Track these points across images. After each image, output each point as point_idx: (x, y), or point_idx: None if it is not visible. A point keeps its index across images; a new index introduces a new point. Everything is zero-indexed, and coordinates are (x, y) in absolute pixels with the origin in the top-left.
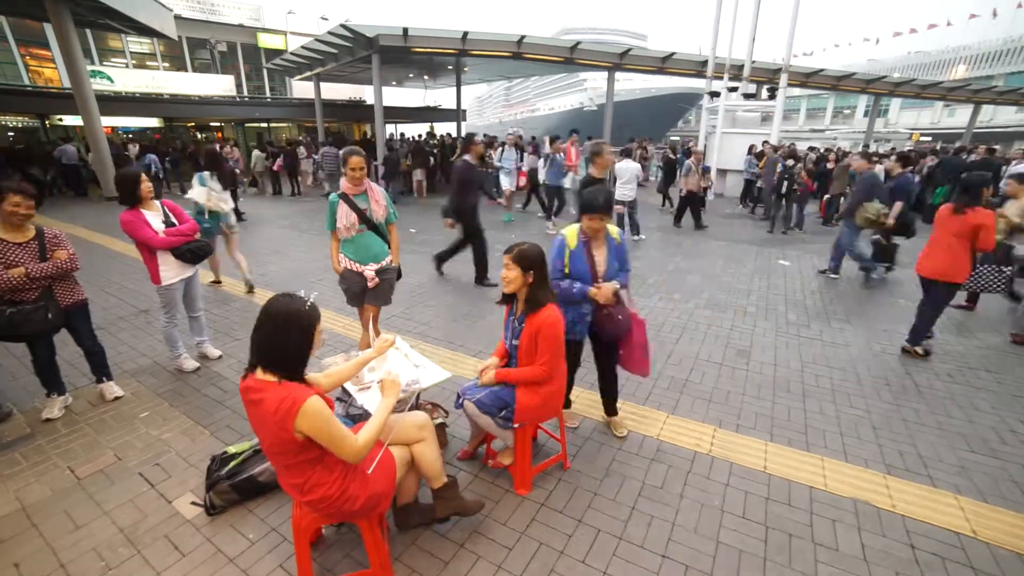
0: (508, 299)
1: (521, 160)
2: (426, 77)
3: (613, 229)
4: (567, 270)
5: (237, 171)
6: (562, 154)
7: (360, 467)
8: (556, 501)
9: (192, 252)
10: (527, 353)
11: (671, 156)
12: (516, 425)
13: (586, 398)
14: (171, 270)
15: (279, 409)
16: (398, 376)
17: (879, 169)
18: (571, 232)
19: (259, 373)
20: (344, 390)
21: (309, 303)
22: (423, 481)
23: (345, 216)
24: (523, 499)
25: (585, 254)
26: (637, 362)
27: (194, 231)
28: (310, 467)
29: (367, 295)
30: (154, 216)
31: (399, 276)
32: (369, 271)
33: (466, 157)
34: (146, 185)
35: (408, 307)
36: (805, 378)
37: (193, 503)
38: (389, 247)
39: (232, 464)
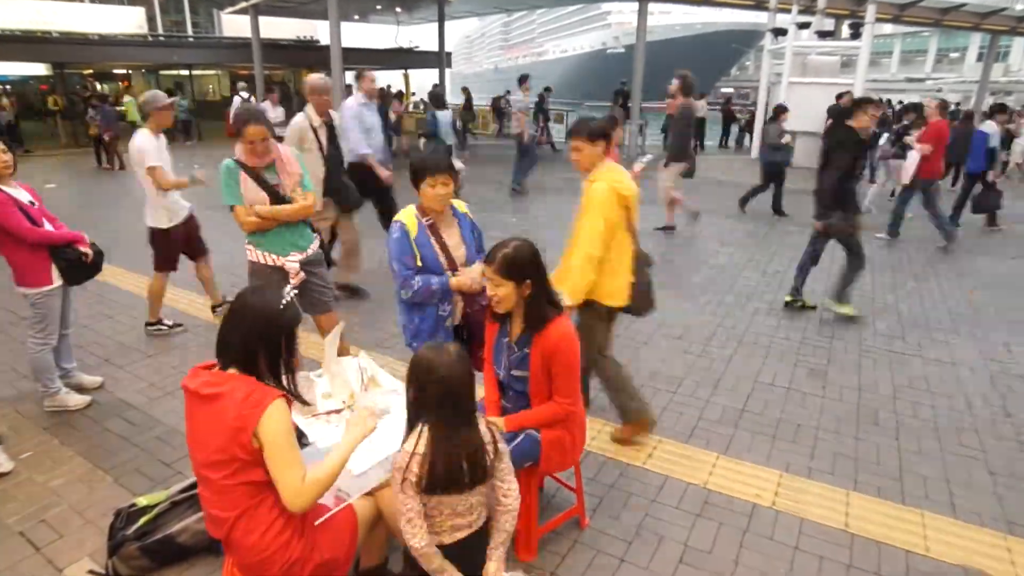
0: (499, 317)
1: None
2: (398, 10)
3: (458, 202)
4: (417, 261)
5: None
6: None
7: (309, 518)
8: (570, 570)
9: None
10: (542, 387)
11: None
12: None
13: (605, 430)
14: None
15: (245, 403)
16: (375, 409)
17: None
18: (407, 215)
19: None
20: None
21: (284, 303)
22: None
23: (253, 193)
24: (527, 567)
25: (432, 240)
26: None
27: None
28: (249, 497)
29: (299, 301)
30: (18, 195)
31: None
32: (291, 263)
33: None
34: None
35: (373, 310)
36: (899, 407)
37: (91, 572)
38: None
39: (143, 521)
